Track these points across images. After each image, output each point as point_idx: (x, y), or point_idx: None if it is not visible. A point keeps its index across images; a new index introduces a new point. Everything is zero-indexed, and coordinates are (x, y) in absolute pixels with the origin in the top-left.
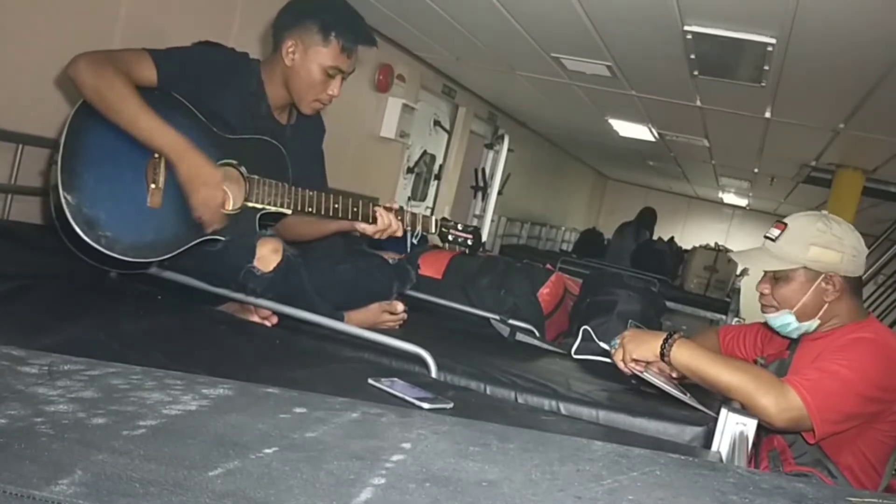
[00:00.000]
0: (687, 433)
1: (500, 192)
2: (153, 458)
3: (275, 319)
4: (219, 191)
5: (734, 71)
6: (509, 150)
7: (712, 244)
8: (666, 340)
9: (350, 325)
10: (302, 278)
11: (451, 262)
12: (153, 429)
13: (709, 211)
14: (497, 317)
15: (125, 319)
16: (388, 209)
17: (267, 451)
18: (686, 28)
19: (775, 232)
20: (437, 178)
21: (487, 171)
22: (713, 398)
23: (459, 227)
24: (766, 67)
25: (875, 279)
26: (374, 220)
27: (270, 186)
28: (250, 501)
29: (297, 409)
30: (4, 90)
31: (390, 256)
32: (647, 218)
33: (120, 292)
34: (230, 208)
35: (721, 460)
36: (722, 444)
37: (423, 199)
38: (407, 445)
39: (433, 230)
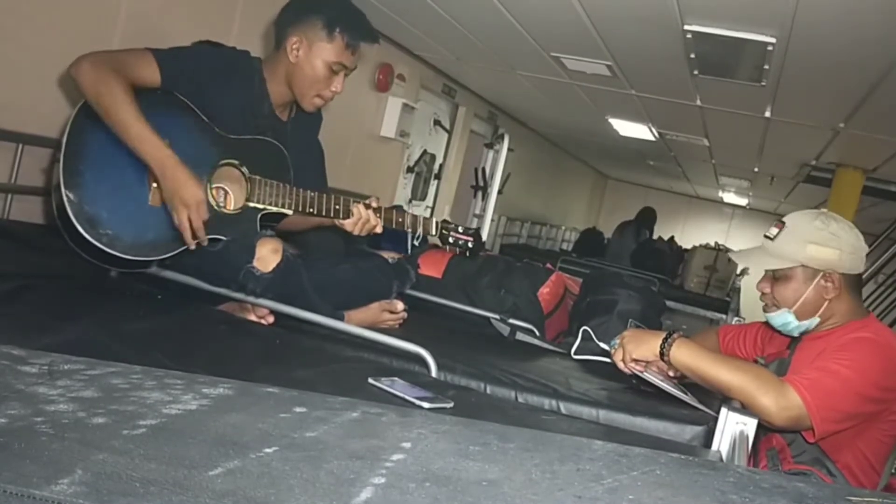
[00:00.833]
0: (687, 432)
1: (500, 192)
2: (153, 457)
3: (271, 318)
4: (200, 207)
5: (734, 70)
6: (509, 149)
7: (712, 243)
8: (665, 340)
9: (350, 325)
10: (301, 278)
11: (451, 262)
12: (153, 428)
13: (709, 210)
14: (497, 316)
15: (125, 319)
16: (367, 206)
17: (267, 450)
18: (686, 27)
19: (774, 231)
20: (437, 177)
21: (487, 170)
22: (713, 397)
23: (460, 229)
24: (767, 67)
25: (875, 278)
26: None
27: (272, 187)
28: (250, 501)
29: (298, 409)
30: (5, 89)
31: (390, 256)
32: (648, 217)
33: (120, 292)
34: (231, 208)
35: (721, 460)
36: (722, 443)
37: (423, 198)
38: (407, 445)
39: (434, 232)
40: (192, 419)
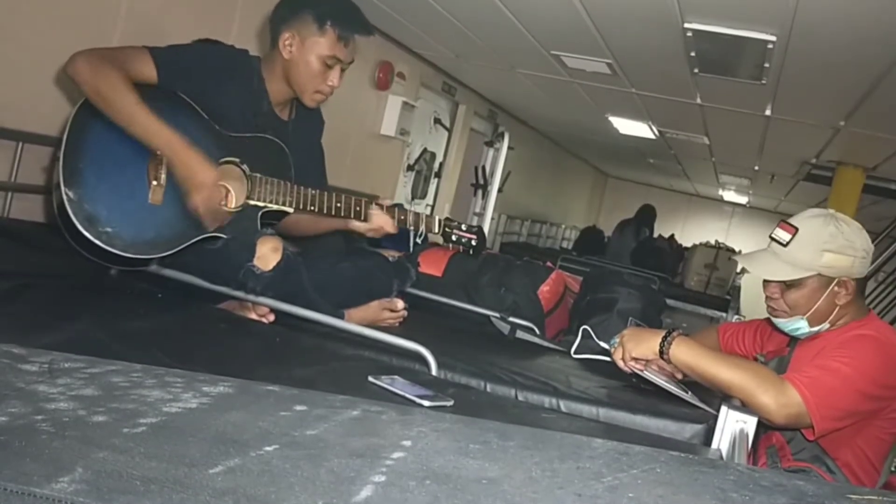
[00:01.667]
0: (687, 431)
1: (500, 190)
2: (154, 455)
3: (272, 317)
4: (216, 190)
5: (734, 68)
6: (509, 147)
7: (713, 242)
8: (665, 338)
9: (350, 323)
10: (302, 277)
11: (452, 260)
12: (153, 426)
13: (709, 208)
14: (497, 314)
15: (125, 317)
16: (381, 206)
17: (267, 448)
18: (686, 25)
19: (785, 236)
20: (438, 175)
21: (488, 168)
22: (713, 396)
23: (463, 227)
24: (767, 65)
25: (875, 276)
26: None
27: (272, 185)
28: (250, 499)
29: (298, 407)
30: (5, 88)
31: (390, 254)
32: (647, 215)
33: (120, 290)
34: (232, 206)
35: (721, 458)
36: (722, 441)
37: (424, 196)
38: (407, 443)
39: (436, 230)
40: (192, 417)
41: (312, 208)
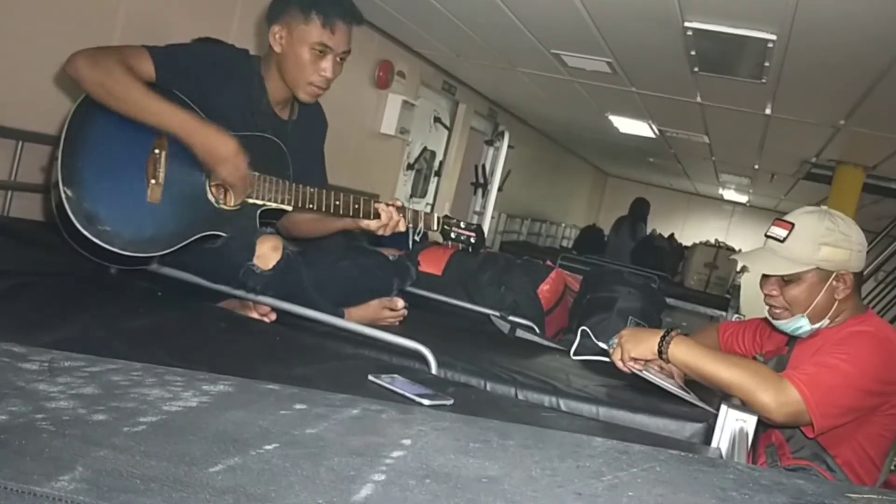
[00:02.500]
0: (687, 429)
1: (500, 189)
2: (154, 454)
3: (273, 316)
4: (239, 158)
5: (734, 67)
6: (509, 146)
7: (712, 241)
8: (663, 338)
9: (350, 322)
10: (302, 276)
11: (452, 259)
12: (154, 425)
13: (709, 207)
14: (497, 313)
15: (125, 316)
16: (389, 205)
17: (267, 447)
18: (686, 24)
19: (781, 232)
20: (438, 174)
21: (487, 167)
22: (713, 395)
23: (462, 224)
24: (767, 64)
25: (875, 276)
26: (378, 216)
27: (271, 183)
28: (251, 497)
29: (298, 406)
30: (4, 87)
31: (390, 253)
32: (640, 209)
33: (120, 289)
34: (231, 205)
35: (721, 457)
36: (722, 440)
37: (424, 195)
38: (407, 442)
39: (435, 228)
40: (192, 416)
41: (311, 206)
